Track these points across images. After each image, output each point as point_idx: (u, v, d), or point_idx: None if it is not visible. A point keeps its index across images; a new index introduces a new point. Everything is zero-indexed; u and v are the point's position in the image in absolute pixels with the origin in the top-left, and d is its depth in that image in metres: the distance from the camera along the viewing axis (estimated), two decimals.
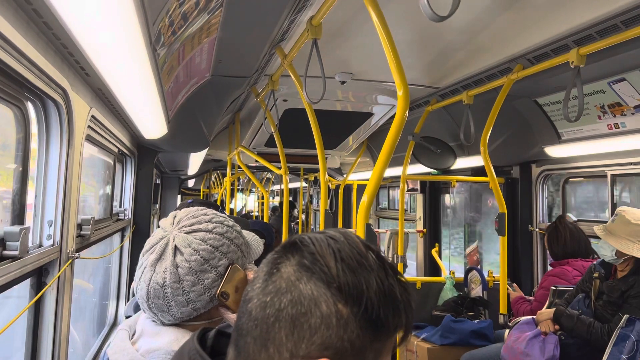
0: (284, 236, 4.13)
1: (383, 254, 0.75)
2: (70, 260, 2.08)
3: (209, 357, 0.76)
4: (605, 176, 3.62)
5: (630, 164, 3.36)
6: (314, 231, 0.75)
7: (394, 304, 0.68)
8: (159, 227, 1.20)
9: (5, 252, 1.52)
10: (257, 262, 1.32)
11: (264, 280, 0.69)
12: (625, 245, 2.70)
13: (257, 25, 2.48)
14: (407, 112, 1.79)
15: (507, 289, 3.56)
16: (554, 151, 3.75)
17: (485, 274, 4.11)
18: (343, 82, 3.51)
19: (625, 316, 2.50)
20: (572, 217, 3.85)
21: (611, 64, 2.67)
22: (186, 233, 1.14)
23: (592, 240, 3.56)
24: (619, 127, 3.06)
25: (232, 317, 1.16)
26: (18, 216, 1.71)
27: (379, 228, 7.38)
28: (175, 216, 1.20)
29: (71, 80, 1.88)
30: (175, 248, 1.12)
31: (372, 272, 0.68)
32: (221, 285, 1.13)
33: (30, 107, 1.75)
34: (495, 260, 5.23)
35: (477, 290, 4.04)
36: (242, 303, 0.71)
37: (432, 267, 5.68)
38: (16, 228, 1.55)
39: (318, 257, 0.68)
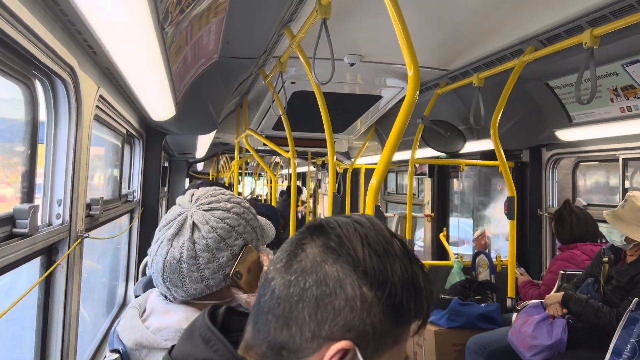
0: (291, 220, 4.13)
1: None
2: (79, 240, 2.09)
3: (220, 333, 0.76)
4: (616, 160, 3.59)
5: None
6: (338, 215, 0.75)
7: (417, 292, 0.69)
8: (176, 204, 1.20)
9: (15, 230, 1.52)
10: (268, 245, 1.32)
11: (287, 259, 0.70)
12: (635, 231, 2.67)
13: (265, 4, 2.45)
14: (418, 93, 1.77)
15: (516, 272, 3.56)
16: (564, 134, 3.71)
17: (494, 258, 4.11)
18: (352, 64, 3.48)
19: (635, 299, 2.48)
20: (582, 201, 3.82)
21: (625, 45, 2.62)
22: (204, 210, 1.16)
23: (601, 225, 3.54)
24: (632, 110, 3.02)
25: (243, 297, 1.16)
26: (27, 194, 1.71)
27: (387, 212, 7.38)
28: (194, 194, 1.21)
29: (79, 58, 1.87)
30: (194, 224, 1.13)
31: (397, 259, 0.69)
32: (235, 265, 1.14)
33: (38, 85, 1.74)
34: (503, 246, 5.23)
35: (484, 274, 4.04)
36: (263, 282, 0.72)
37: (439, 251, 5.68)
38: (25, 206, 1.55)
39: (345, 240, 0.68)
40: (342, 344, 0.64)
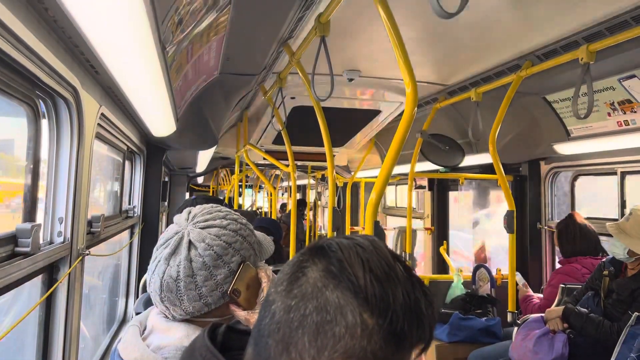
0: (292, 235, 4.13)
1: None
2: (80, 257, 2.10)
3: (219, 354, 0.76)
4: (615, 173, 3.60)
5: None
6: (341, 236, 0.75)
7: (419, 318, 0.68)
8: (173, 222, 1.21)
9: (17, 249, 1.53)
10: (268, 261, 1.33)
11: (288, 282, 0.69)
12: (638, 245, 2.67)
13: (265, 22, 2.48)
14: (416, 109, 1.79)
15: (517, 285, 3.55)
16: (563, 148, 3.73)
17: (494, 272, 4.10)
18: (351, 80, 3.51)
19: (635, 314, 2.48)
20: (580, 215, 3.82)
21: (621, 60, 2.65)
22: (201, 228, 1.16)
23: (602, 238, 3.54)
24: (629, 124, 3.04)
25: (242, 314, 1.16)
26: (29, 213, 1.72)
27: (386, 225, 7.37)
28: (190, 212, 1.21)
29: (81, 78, 1.90)
30: (190, 242, 1.14)
31: (400, 285, 0.68)
32: (233, 282, 1.14)
33: (41, 105, 1.76)
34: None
35: (485, 288, 4.04)
36: (264, 303, 0.71)
37: (439, 265, 5.67)
38: (28, 225, 1.56)
39: (346, 266, 0.67)
40: None
